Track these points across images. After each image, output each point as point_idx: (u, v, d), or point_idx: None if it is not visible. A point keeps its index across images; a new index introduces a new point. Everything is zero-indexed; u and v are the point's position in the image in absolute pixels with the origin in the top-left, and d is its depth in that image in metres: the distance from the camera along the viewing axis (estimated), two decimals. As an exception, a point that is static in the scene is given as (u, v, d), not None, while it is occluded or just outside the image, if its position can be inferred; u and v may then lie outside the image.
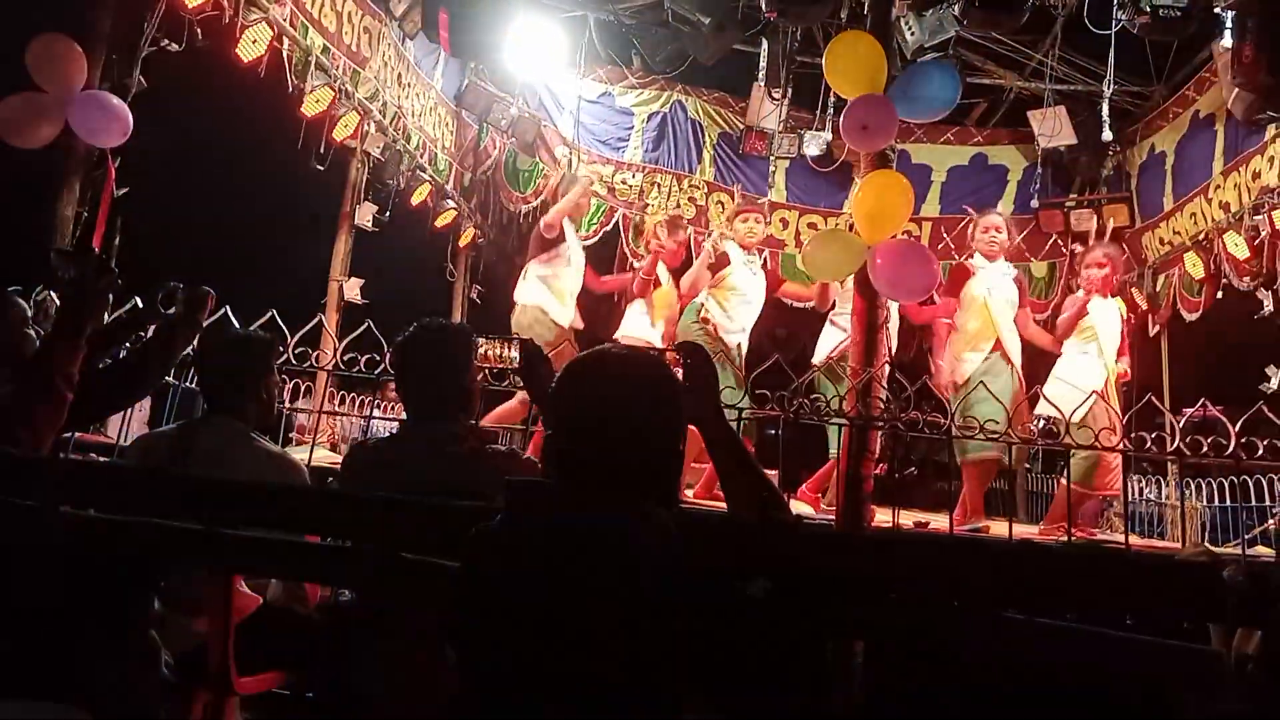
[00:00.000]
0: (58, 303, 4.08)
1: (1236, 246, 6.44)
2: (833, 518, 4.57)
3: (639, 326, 6.17)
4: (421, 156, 7.51)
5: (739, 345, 5.86)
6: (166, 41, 5.12)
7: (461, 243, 8.87)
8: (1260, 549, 5.52)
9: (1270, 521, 5.79)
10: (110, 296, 2.55)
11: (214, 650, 2.35)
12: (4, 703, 1.44)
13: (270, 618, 2.71)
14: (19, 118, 4.39)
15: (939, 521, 5.19)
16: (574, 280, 6.09)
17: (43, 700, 1.45)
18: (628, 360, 1.57)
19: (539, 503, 1.45)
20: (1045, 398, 5.04)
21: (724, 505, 1.77)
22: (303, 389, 5.73)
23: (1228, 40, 5.95)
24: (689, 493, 5.26)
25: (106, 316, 2.82)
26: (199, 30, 5.17)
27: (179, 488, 1.96)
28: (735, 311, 5.87)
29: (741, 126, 8.58)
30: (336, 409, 7.26)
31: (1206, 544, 5.67)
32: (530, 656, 1.34)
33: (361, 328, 4.02)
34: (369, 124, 6.71)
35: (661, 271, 6.23)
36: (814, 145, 8.20)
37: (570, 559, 1.36)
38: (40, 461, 2.12)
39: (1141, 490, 7.75)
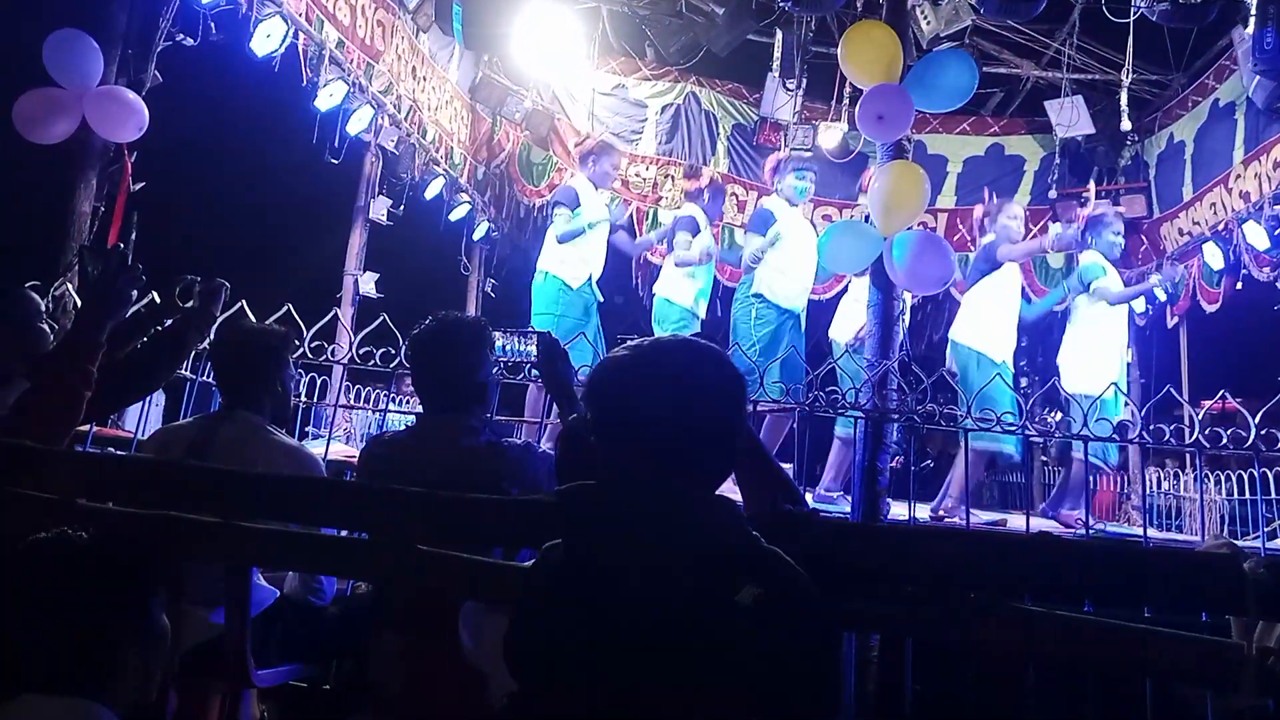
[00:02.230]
0: (76, 298, 4.11)
1: (1257, 237, 6.38)
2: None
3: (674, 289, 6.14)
4: (436, 150, 7.52)
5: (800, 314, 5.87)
6: (182, 36, 5.14)
7: (476, 236, 8.88)
8: (1280, 542, 5.48)
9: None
10: (133, 294, 2.55)
11: (231, 643, 2.36)
12: (23, 697, 1.45)
13: (287, 610, 2.72)
14: (36, 113, 4.41)
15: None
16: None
17: (55, 694, 1.46)
18: (686, 346, 1.49)
19: (598, 506, 1.40)
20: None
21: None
22: (318, 383, 5.75)
23: (1249, 26, 5.88)
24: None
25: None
26: (214, 25, 5.19)
27: (196, 480, 1.97)
28: (792, 268, 5.83)
29: (756, 118, 8.55)
30: (352, 403, 7.28)
31: (1226, 537, 5.63)
32: (606, 672, 1.29)
33: (377, 321, 4.03)
34: (383, 118, 6.71)
35: (705, 226, 6.16)
36: (829, 136, 8.17)
37: (648, 558, 1.31)
38: (57, 454, 2.13)
39: (1159, 482, 7.70)
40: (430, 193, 7.68)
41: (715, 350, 1.48)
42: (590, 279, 5.94)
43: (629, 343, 1.49)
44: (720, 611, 1.26)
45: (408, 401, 7.67)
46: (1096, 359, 5.57)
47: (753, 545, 1.33)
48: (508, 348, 2.66)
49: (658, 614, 1.28)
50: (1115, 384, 4.97)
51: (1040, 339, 6.62)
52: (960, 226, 8.48)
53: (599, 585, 1.33)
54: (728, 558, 1.31)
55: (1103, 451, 5.23)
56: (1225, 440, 4.06)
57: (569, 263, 5.85)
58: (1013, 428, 4.41)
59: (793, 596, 1.30)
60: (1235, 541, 4.58)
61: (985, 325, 5.56)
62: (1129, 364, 8.32)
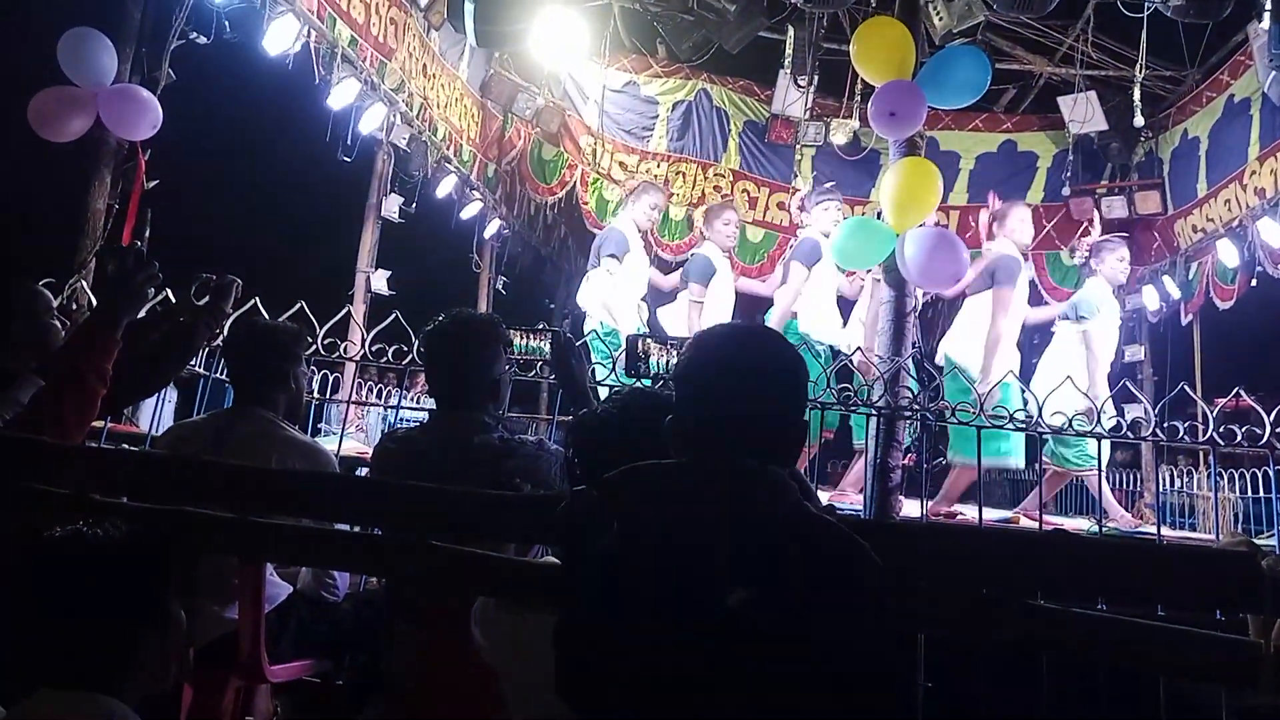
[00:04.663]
0: (91, 296, 4.13)
1: (1272, 233, 6.34)
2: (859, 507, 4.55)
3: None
4: (447, 148, 7.52)
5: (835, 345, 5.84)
6: (195, 35, 5.16)
7: (487, 234, 8.90)
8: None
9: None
10: (149, 291, 2.55)
11: (245, 638, 2.37)
12: (40, 692, 1.46)
13: (300, 605, 2.73)
14: (51, 111, 4.44)
15: (968, 513, 5.15)
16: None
17: (71, 689, 1.47)
18: (760, 334, 1.59)
19: (671, 482, 1.41)
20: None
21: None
22: (331, 380, 5.77)
23: (1264, 21, 5.84)
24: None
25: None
26: (227, 23, 5.20)
27: (210, 476, 1.98)
28: (826, 305, 5.85)
29: (767, 115, 8.52)
30: (365, 400, 7.30)
31: (1243, 534, 5.60)
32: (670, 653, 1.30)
33: (389, 318, 4.04)
34: (395, 115, 6.72)
35: (720, 262, 6.14)
36: (841, 133, 8.14)
37: (723, 536, 1.32)
38: (74, 450, 2.14)
39: (1173, 480, 7.66)
40: (441, 191, 7.70)
41: (774, 331, 1.63)
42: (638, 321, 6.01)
43: (719, 329, 1.63)
44: (785, 595, 1.27)
45: (420, 399, 7.69)
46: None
47: (808, 520, 1.35)
48: (526, 345, 2.66)
49: (725, 606, 1.27)
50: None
51: (1045, 340, 6.58)
52: (972, 223, 8.43)
53: (663, 584, 1.32)
54: (793, 536, 1.32)
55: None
56: (1239, 438, 4.04)
57: (618, 311, 5.83)
58: (1024, 426, 4.39)
59: (855, 573, 1.32)
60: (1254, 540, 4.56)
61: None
62: (1139, 362, 8.32)
